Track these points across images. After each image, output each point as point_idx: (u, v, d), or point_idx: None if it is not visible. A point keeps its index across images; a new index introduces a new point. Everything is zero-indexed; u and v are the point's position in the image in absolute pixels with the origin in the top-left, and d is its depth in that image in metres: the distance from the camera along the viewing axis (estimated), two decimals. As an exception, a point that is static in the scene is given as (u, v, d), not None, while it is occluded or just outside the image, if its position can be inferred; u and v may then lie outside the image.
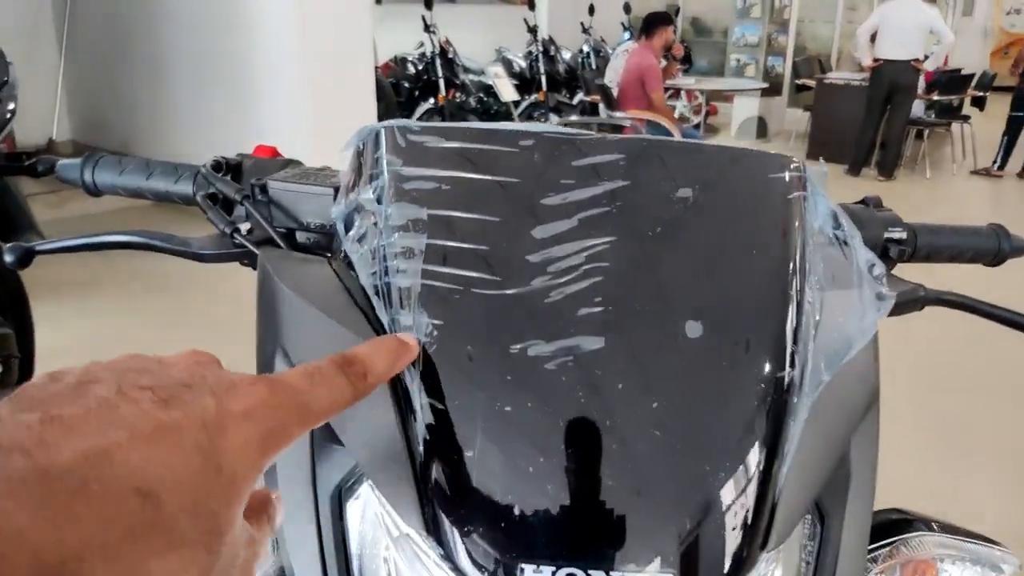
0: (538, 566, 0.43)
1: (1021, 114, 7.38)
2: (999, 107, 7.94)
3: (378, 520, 0.49)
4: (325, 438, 0.50)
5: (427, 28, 6.67)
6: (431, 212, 0.51)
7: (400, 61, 7.35)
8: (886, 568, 0.56)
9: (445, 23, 6.89)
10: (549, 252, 0.50)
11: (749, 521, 0.45)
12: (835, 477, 0.50)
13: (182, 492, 0.26)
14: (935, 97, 7.87)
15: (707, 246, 0.52)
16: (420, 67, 7.09)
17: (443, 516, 0.45)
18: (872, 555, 0.56)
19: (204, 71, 5.07)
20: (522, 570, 0.43)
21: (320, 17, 4.49)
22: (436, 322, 0.47)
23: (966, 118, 7.95)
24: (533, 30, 7.69)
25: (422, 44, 7.08)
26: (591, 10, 8.28)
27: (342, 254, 0.58)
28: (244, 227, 0.69)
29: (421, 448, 0.46)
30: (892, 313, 0.66)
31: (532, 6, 7.90)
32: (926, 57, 6.98)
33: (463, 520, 0.44)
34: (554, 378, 0.46)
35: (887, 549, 0.56)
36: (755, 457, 0.46)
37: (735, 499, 0.45)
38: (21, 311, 2.14)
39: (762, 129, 8.82)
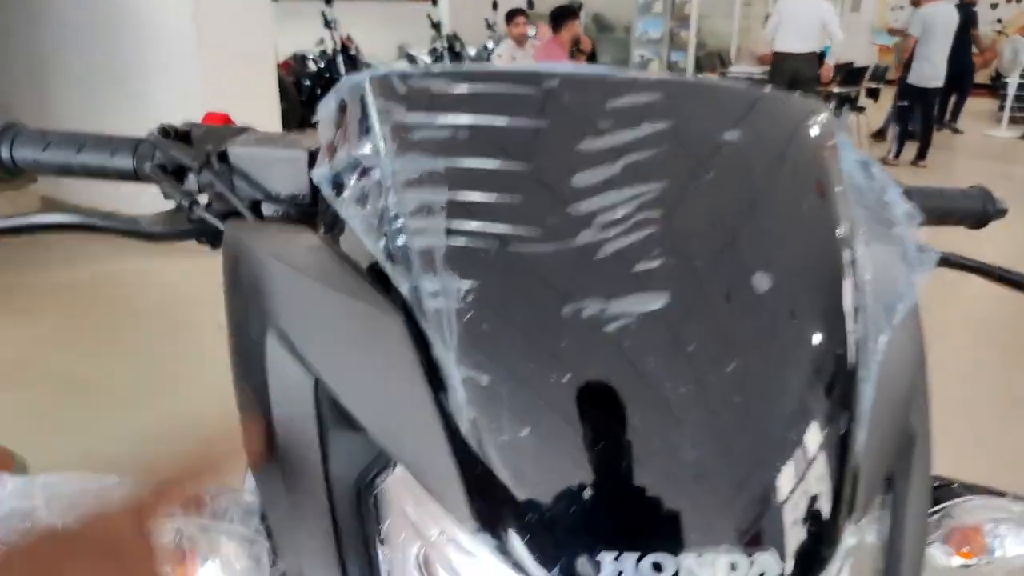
0: (619, 554, 0.35)
1: (906, 103, 7.74)
2: (889, 99, 8.35)
3: (408, 517, 0.40)
4: (337, 423, 0.41)
5: (327, 24, 6.49)
6: (448, 163, 0.44)
7: (300, 59, 7.10)
8: (935, 538, 0.50)
9: (345, 19, 6.72)
10: (594, 202, 0.43)
11: (837, 492, 0.39)
12: (901, 449, 0.44)
13: None
14: (835, 89, 8.19)
15: (757, 194, 0.46)
16: (322, 65, 6.88)
17: (498, 506, 0.37)
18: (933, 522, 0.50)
19: (91, 73, 4.77)
20: (598, 563, 0.35)
21: (216, 16, 4.30)
22: (470, 284, 0.40)
23: (862, 109, 8.27)
24: (437, 26, 7.59)
25: (322, 41, 6.88)
26: (495, 5, 8.24)
27: (325, 224, 0.51)
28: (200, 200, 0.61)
29: (465, 429, 0.38)
30: None
31: (435, 2, 7.80)
32: (822, 53, 7.26)
33: (523, 509, 0.36)
34: (616, 342, 0.39)
35: (934, 518, 0.50)
36: (836, 421, 0.40)
37: (821, 473, 0.39)
38: None
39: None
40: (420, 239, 0.42)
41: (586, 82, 0.48)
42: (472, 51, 7.93)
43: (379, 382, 0.40)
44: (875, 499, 0.42)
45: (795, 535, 0.37)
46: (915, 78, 7.35)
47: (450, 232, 0.42)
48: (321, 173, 0.49)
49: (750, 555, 0.36)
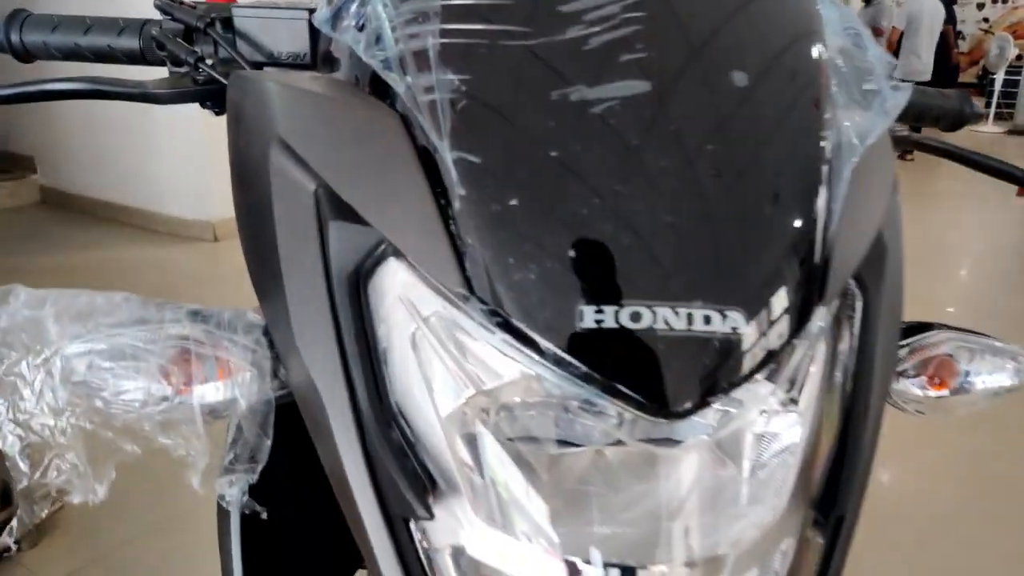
0: (599, 307, 0.37)
1: None
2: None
3: (405, 300, 0.42)
4: (337, 215, 0.43)
5: None
6: None
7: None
8: (910, 364, 0.52)
9: None
10: (580, 2, 0.45)
11: (808, 269, 0.42)
12: (872, 254, 0.46)
13: None
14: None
15: (744, 9, 0.48)
16: None
17: (486, 270, 0.39)
18: (904, 349, 0.52)
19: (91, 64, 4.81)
20: (582, 313, 0.37)
21: None
22: (462, 77, 0.42)
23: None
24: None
25: None
26: None
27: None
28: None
29: (457, 205, 0.40)
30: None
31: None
32: None
33: (510, 269, 0.39)
34: (600, 120, 0.41)
35: (904, 350, 0.53)
36: (811, 207, 0.43)
37: (794, 245, 0.41)
38: None
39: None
40: (414, 42, 0.44)
41: None
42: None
43: (378, 175, 0.42)
44: (842, 291, 0.45)
45: (766, 299, 0.39)
46: (902, 72, 7.42)
47: (443, 33, 0.44)
48: (321, 15, 0.51)
49: (722, 311, 0.38)
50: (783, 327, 0.39)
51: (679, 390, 0.37)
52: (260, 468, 0.47)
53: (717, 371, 0.38)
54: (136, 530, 2.08)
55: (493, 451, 0.40)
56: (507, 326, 0.38)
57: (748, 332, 0.38)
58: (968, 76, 10.42)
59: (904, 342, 0.53)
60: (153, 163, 4.73)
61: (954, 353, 0.53)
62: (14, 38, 0.69)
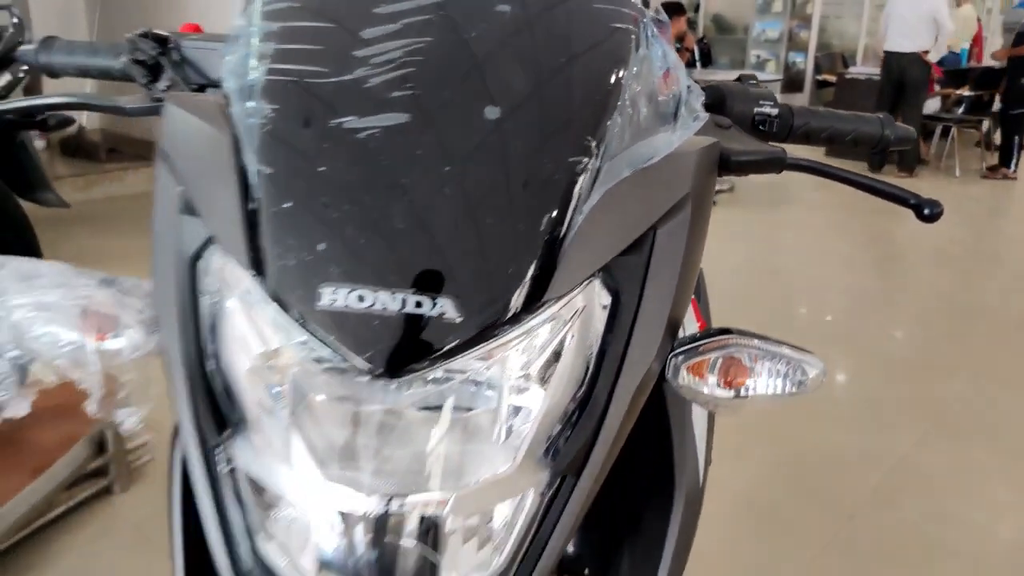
0: (335, 288, 0.48)
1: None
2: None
3: (220, 277, 0.54)
4: (186, 211, 0.56)
5: None
6: (282, 24, 0.59)
7: None
8: (697, 364, 0.59)
9: None
10: (372, 48, 0.56)
11: (529, 267, 0.50)
12: (631, 258, 0.54)
13: None
14: (966, 93, 7.75)
15: (520, 51, 0.57)
16: None
17: (265, 255, 0.51)
18: (683, 349, 0.59)
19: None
20: (320, 294, 0.48)
21: None
22: (273, 107, 0.55)
23: (995, 114, 7.80)
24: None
25: None
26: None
27: None
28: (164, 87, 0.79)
29: (252, 205, 0.52)
30: (757, 171, 0.71)
31: None
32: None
33: (278, 255, 0.50)
34: (362, 145, 0.52)
35: (698, 347, 0.59)
36: (538, 217, 0.51)
37: (517, 245, 0.50)
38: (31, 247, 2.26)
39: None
40: (246, 79, 0.56)
41: None
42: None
43: (210, 182, 0.54)
44: (576, 291, 0.52)
45: (482, 292, 0.48)
46: None
47: (269, 72, 0.56)
48: (226, 48, 0.64)
49: (434, 299, 0.47)
50: (498, 316, 0.48)
51: (392, 357, 0.47)
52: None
53: (424, 345, 0.47)
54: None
55: (276, 397, 0.51)
56: (276, 298, 0.49)
57: (456, 317, 0.47)
58: None
59: (705, 341, 0.60)
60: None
61: (741, 357, 0.60)
62: (44, 59, 0.87)
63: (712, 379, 0.60)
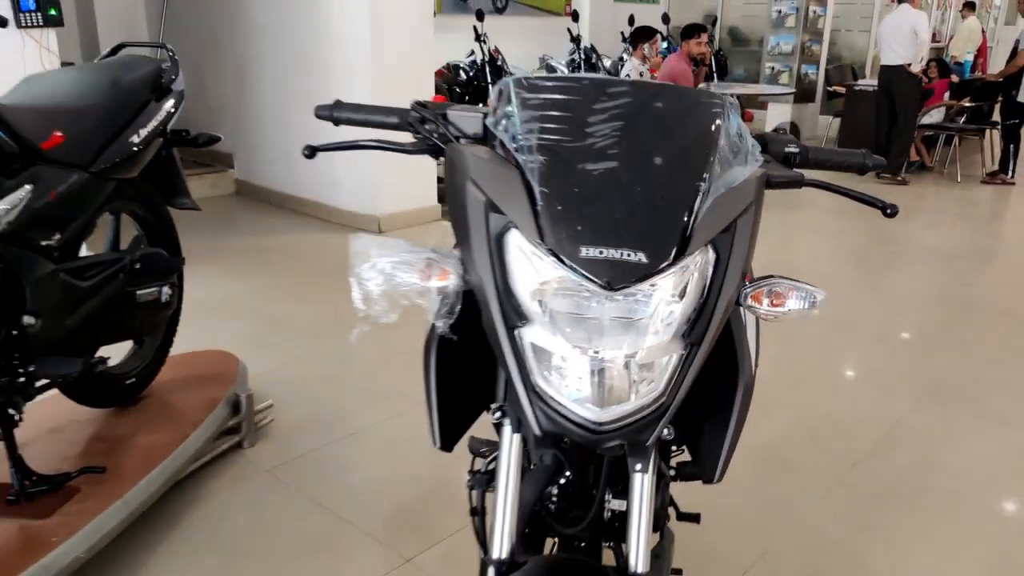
0: (587, 248, 0.95)
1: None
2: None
3: (515, 246, 1.01)
4: (493, 211, 1.02)
5: (478, 37, 7.26)
6: (540, 114, 1.07)
7: (453, 68, 7.95)
8: (756, 293, 1.08)
9: (494, 33, 7.47)
10: (594, 128, 1.04)
11: (677, 239, 0.97)
12: (725, 236, 1.03)
13: None
14: (966, 104, 8.21)
15: (668, 129, 1.07)
16: (471, 73, 7.68)
17: (545, 232, 0.97)
18: (749, 285, 1.08)
19: (288, 77, 5.73)
20: (580, 250, 0.95)
21: (390, 28, 5.14)
22: (544, 157, 1.02)
23: (995, 124, 8.25)
24: (576, 39, 8.24)
25: (472, 52, 7.67)
26: (631, 20, 8.81)
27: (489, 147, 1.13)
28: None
29: (538, 207, 0.98)
30: (779, 186, 1.21)
31: (576, 17, 8.46)
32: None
33: (554, 232, 0.96)
34: (593, 177, 1.01)
35: (757, 285, 1.09)
36: (681, 214, 0.99)
37: (671, 228, 0.98)
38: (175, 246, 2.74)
39: (794, 134, 9.21)
40: (525, 140, 1.04)
41: (603, 82, 1.10)
42: (607, 62, 8.53)
43: (508, 195, 1.03)
44: (701, 247, 0.99)
45: (658, 249, 0.96)
46: None
47: (539, 139, 1.04)
48: (490, 120, 1.14)
49: (635, 252, 0.95)
50: (667, 261, 0.97)
51: (614, 280, 0.95)
52: (455, 317, 1.10)
53: (628, 274, 0.96)
54: (327, 439, 2.85)
55: (545, 305, 1.00)
56: (553, 254, 0.98)
57: (648, 262, 0.96)
58: None
59: (755, 282, 1.09)
60: (330, 164, 5.45)
61: (781, 290, 1.09)
62: (335, 114, 1.36)
63: (765, 301, 1.09)
